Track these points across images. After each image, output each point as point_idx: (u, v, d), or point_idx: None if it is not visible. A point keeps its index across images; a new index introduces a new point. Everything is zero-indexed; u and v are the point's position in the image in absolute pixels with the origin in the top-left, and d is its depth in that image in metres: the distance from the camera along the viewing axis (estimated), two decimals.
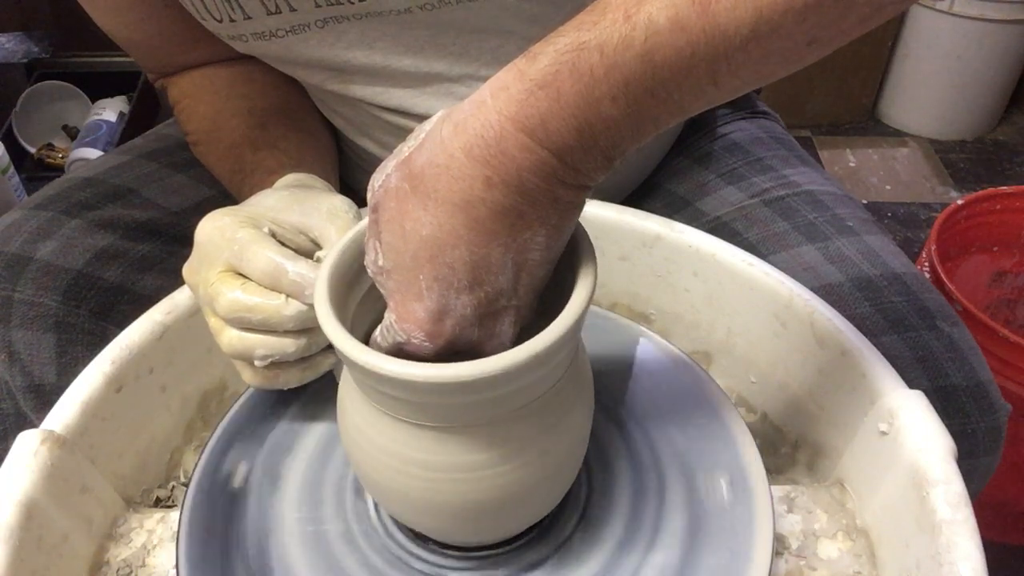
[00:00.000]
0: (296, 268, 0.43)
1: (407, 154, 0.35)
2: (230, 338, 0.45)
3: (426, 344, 0.36)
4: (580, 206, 0.36)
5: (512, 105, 0.32)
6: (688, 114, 0.34)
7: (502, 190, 0.33)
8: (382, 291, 0.38)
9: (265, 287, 0.44)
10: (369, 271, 0.38)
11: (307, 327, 0.45)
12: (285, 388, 0.48)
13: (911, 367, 0.56)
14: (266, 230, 0.46)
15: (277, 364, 0.46)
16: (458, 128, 0.33)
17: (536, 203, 0.34)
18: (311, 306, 0.43)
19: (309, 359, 0.47)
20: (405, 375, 0.34)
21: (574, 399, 0.41)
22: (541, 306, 0.43)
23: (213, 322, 0.46)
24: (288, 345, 0.45)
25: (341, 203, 0.49)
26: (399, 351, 0.37)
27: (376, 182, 0.36)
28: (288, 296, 0.44)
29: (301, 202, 0.49)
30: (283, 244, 0.46)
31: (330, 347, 0.46)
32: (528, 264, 0.35)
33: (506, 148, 0.32)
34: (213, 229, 0.46)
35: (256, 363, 0.45)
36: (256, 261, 0.44)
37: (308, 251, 0.47)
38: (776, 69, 0.33)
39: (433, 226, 0.34)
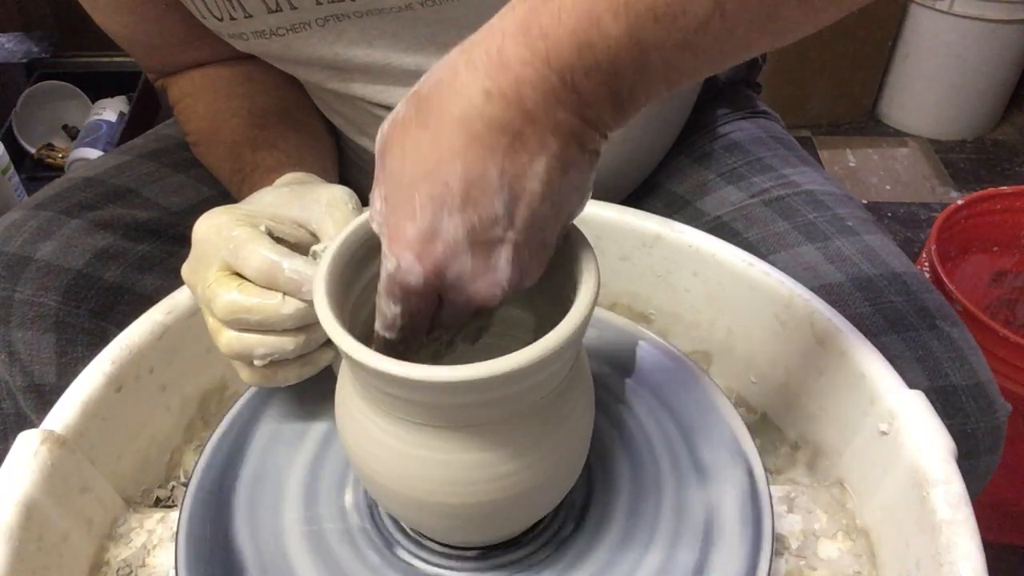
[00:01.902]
0: (292, 265, 0.43)
1: (416, 88, 0.35)
2: (228, 339, 0.45)
3: (415, 267, 0.35)
4: (583, 146, 0.35)
5: (515, 21, 0.32)
6: (695, 52, 0.33)
7: (501, 104, 0.33)
8: (382, 239, 0.36)
9: (261, 286, 0.44)
10: (373, 225, 0.37)
11: (306, 324, 0.44)
12: (284, 385, 0.48)
13: (911, 367, 0.56)
14: (263, 228, 0.45)
15: (276, 362, 0.46)
16: (464, 48, 0.34)
17: (535, 123, 0.33)
18: (309, 303, 0.43)
19: (307, 355, 0.47)
20: (407, 375, 0.34)
21: (576, 400, 0.41)
22: (542, 312, 0.43)
23: (211, 322, 0.46)
24: (287, 343, 0.45)
25: (341, 192, 0.48)
26: (390, 284, 0.36)
27: (385, 124, 0.36)
28: (285, 294, 0.44)
29: (300, 196, 0.49)
30: (281, 239, 0.46)
31: (328, 342, 0.46)
32: (526, 195, 0.34)
33: (506, 60, 0.32)
34: (210, 228, 0.46)
35: (256, 362, 0.45)
36: (251, 260, 0.44)
37: (308, 244, 0.47)
38: (791, 12, 0.33)
39: (431, 142, 0.34)
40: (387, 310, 0.37)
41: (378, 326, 0.39)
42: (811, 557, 0.47)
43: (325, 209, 0.47)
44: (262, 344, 0.44)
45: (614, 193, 0.74)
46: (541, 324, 0.42)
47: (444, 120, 0.33)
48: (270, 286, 0.44)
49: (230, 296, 0.44)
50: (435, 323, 0.40)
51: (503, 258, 0.35)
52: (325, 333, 0.45)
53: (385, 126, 0.36)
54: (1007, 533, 1.17)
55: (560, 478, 0.42)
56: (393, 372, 0.34)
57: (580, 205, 0.38)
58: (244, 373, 0.47)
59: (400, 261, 0.35)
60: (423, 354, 0.44)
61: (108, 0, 0.63)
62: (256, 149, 0.62)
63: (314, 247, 0.46)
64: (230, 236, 0.45)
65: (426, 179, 0.34)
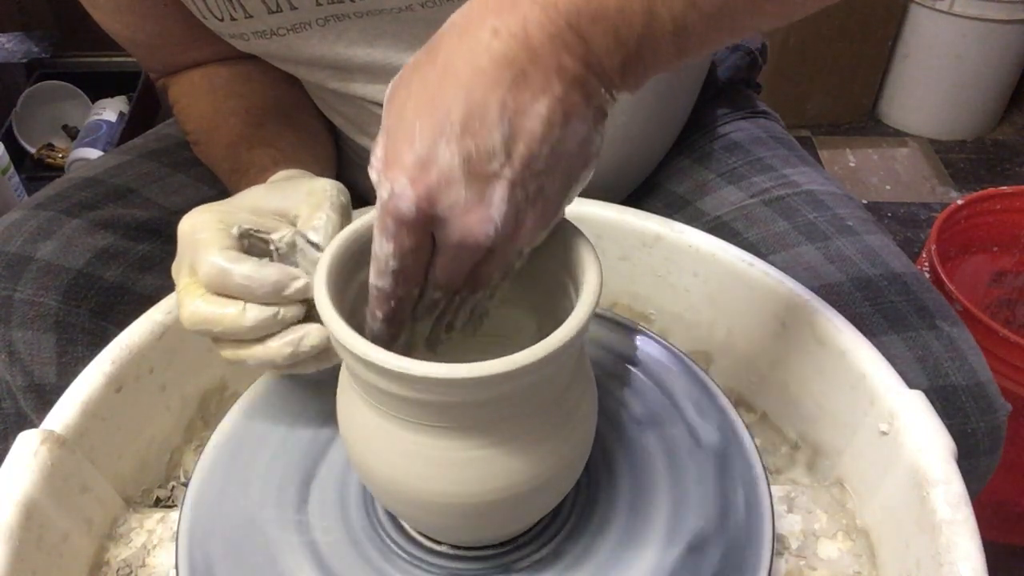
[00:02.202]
0: (242, 270, 0.42)
1: (433, 36, 0.36)
2: (224, 351, 0.44)
3: (408, 192, 0.34)
4: (588, 97, 0.36)
5: None
6: (702, 12, 0.34)
7: (507, 41, 0.34)
8: (377, 186, 0.36)
9: (214, 293, 0.43)
10: (371, 173, 0.36)
11: (271, 332, 0.43)
12: (305, 373, 0.46)
13: (911, 367, 0.56)
14: (235, 230, 0.44)
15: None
16: None
17: (539, 64, 0.34)
18: (275, 312, 0.42)
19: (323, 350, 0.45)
20: (412, 372, 0.34)
21: (578, 399, 0.41)
22: (544, 312, 0.43)
23: None
24: (276, 358, 0.43)
25: (323, 183, 0.48)
26: (383, 216, 0.36)
27: (397, 75, 0.37)
28: (247, 303, 0.42)
29: (283, 189, 0.48)
30: (259, 232, 0.45)
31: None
32: (525, 133, 0.34)
33: (517, 1, 0.34)
34: (187, 228, 0.45)
35: (249, 363, 0.44)
36: (202, 267, 0.43)
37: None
38: None
39: (438, 76, 0.35)
40: (380, 250, 0.37)
41: (372, 275, 0.38)
42: (811, 557, 0.47)
43: (304, 197, 0.47)
44: (252, 357, 0.44)
45: (614, 193, 0.74)
46: (543, 326, 0.42)
47: (452, 56, 0.34)
48: (222, 293, 0.43)
49: (193, 306, 0.43)
50: (429, 281, 0.39)
51: (498, 194, 0.35)
52: (312, 341, 0.44)
53: (397, 76, 0.37)
54: (1007, 533, 1.17)
55: (561, 478, 0.42)
56: (397, 368, 0.34)
57: (584, 169, 0.38)
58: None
59: (394, 186, 0.35)
60: (418, 337, 0.43)
61: (109, 0, 0.63)
62: (252, 147, 0.62)
63: (271, 236, 0.45)
64: (195, 240, 0.44)
65: (428, 108, 0.34)
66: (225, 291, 0.42)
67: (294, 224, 0.47)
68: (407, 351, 0.42)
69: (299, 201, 0.47)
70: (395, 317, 0.39)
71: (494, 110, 0.34)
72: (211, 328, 0.43)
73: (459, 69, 0.34)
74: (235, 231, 0.44)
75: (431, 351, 0.44)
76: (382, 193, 0.35)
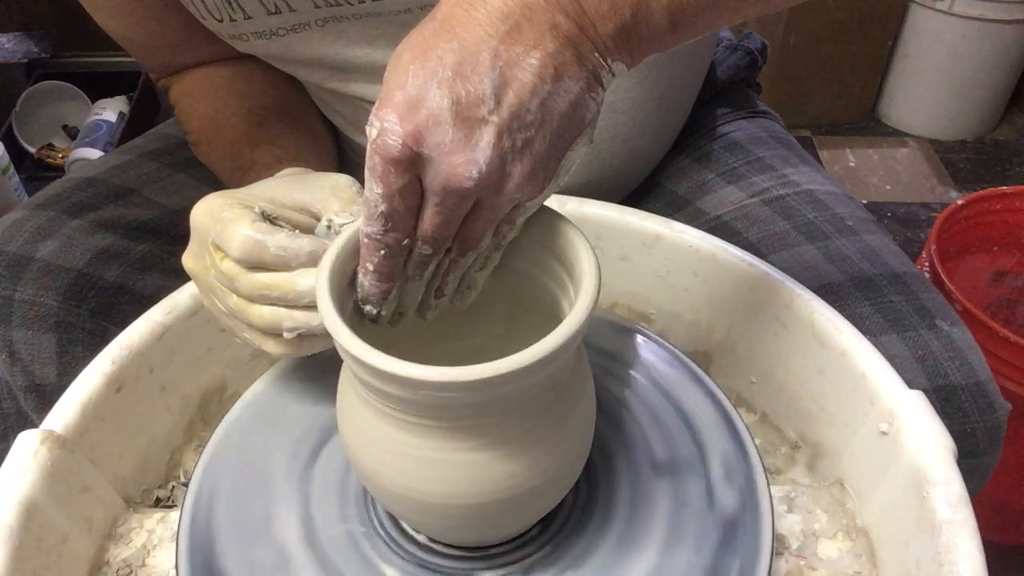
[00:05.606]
0: (276, 242, 0.43)
1: None
2: (261, 313, 0.44)
3: (396, 129, 0.35)
4: (580, 58, 0.36)
5: None
6: None
7: None
8: (368, 127, 0.37)
9: (247, 267, 0.43)
10: (367, 128, 0.37)
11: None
12: (310, 354, 0.47)
13: (911, 367, 0.56)
14: (257, 209, 0.45)
15: (303, 334, 0.45)
16: None
17: (534, 20, 0.35)
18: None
19: None
20: (410, 375, 0.34)
21: (577, 400, 0.41)
22: (540, 314, 0.43)
23: (235, 302, 0.45)
24: (312, 319, 0.44)
25: (344, 179, 0.48)
26: (372, 157, 0.36)
27: None
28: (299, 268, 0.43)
29: (302, 183, 0.48)
30: (276, 220, 0.45)
31: None
32: (516, 83, 0.35)
33: None
34: (204, 211, 0.45)
35: (285, 335, 0.45)
36: (233, 241, 0.43)
37: (309, 227, 0.46)
38: None
39: (434, 27, 0.36)
40: (369, 193, 0.37)
41: (363, 221, 0.38)
42: (811, 557, 0.47)
43: (329, 191, 0.47)
44: (290, 317, 0.44)
45: (614, 193, 0.74)
46: (545, 322, 0.42)
47: (450, 11, 0.36)
48: (257, 265, 0.43)
49: (251, 274, 0.43)
50: (418, 235, 0.39)
51: (484, 138, 0.36)
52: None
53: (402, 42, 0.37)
54: (1007, 533, 1.17)
55: (560, 478, 0.42)
56: (399, 372, 0.34)
57: (578, 135, 0.38)
58: (269, 345, 0.46)
59: (383, 123, 0.35)
60: (409, 304, 0.43)
61: (109, 1, 0.63)
62: (255, 146, 0.62)
63: (329, 216, 0.46)
64: (219, 217, 0.44)
65: (422, 55, 0.35)
66: (261, 264, 0.43)
67: (316, 218, 0.47)
68: (398, 318, 0.43)
69: (324, 195, 0.47)
70: (386, 271, 0.39)
71: (486, 58, 0.35)
72: (268, 293, 0.43)
73: (455, 21, 0.35)
74: (257, 210, 0.45)
75: (421, 317, 0.44)
76: (371, 132, 0.36)
